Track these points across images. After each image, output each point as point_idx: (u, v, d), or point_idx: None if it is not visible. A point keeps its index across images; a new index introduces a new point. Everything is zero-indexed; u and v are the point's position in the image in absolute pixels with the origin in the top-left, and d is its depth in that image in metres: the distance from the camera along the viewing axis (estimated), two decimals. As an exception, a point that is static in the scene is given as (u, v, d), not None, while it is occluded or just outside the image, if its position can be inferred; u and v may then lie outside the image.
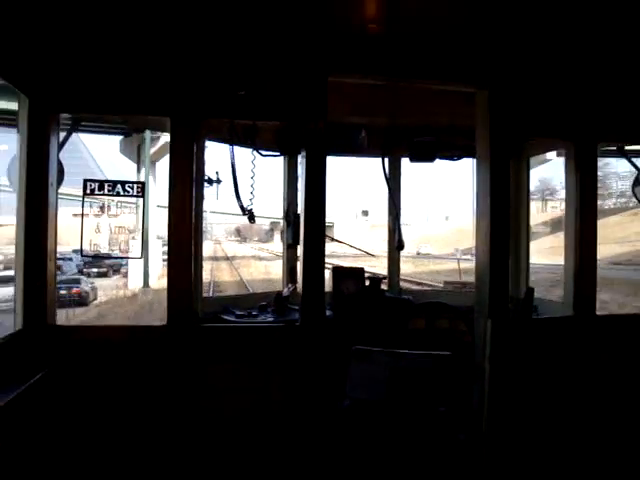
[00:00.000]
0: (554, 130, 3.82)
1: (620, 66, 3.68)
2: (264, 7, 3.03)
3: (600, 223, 3.94)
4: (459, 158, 5.30)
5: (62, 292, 21.89)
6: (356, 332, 4.29)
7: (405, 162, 5.35)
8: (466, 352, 3.89)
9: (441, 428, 3.60)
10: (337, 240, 5.12)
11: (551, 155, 5.59)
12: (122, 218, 3.70)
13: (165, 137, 25.58)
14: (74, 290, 23.91)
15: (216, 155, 5.49)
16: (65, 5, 2.88)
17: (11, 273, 3.51)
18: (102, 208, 3.62)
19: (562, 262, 3.90)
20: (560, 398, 3.63)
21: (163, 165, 29.15)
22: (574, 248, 3.78)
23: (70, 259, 28.59)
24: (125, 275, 29.13)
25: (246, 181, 4.48)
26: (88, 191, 3.42)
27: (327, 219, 3.52)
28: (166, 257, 3.45)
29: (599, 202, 3.94)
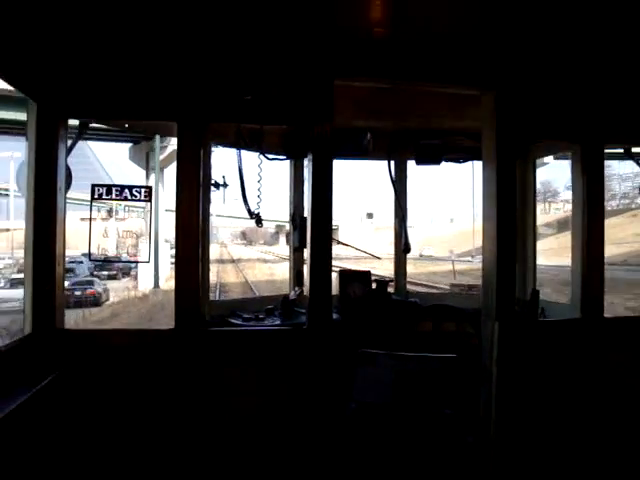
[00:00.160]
0: (560, 132, 3.81)
1: (627, 68, 3.67)
2: (270, 11, 3.04)
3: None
4: (465, 160, 5.30)
5: (77, 293, 24.20)
6: (363, 335, 4.29)
7: (410, 165, 5.37)
8: (473, 355, 3.88)
9: (447, 431, 3.60)
10: (343, 243, 5.13)
11: (548, 159, 5.59)
12: (130, 222, 3.73)
13: (173, 145, 27.62)
14: (89, 291, 25.54)
15: (222, 159, 5.52)
16: (72, 12, 2.90)
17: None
18: (109, 212, 3.65)
19: (561, 263, 3.89)
20: (568, 401, 3.62)
21: (170, 172, 30.33)
22: (581, 250, 3.77)
23: (81, 262, 29.26)
24: (134, 278, 30.36)
25: (253, 185, 4.50)
26: (96, 196, 3.45)
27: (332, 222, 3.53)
28: (173, 260, 3.46)
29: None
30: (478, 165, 3.98)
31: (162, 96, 3.39)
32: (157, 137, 28.28)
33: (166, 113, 3.44)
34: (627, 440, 3.69)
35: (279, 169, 5.40)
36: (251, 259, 55.84)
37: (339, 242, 4.73)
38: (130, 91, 3.36)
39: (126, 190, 3.47)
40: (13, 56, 2.89)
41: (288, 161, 5.13)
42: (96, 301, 25.39)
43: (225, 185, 4.32)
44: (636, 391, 3.73)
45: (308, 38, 3.35)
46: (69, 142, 3.50)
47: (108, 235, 3.66)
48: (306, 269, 4.67)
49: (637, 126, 3.87)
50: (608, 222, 4.26)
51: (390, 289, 5.12)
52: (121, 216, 3.67)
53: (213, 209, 4.02)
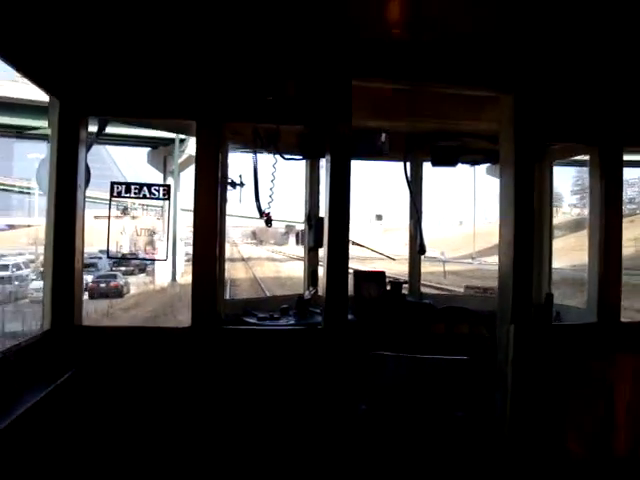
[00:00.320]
0: (578, 134, 3.79)
1: None
2: (288, 12, 3.05)
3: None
4: (481, 163, 5.28)
5: (102, 285, 27.51)
6: (377, 336, 4.29)
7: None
8: (486, 357, 3.87)
9: (459, 433, 3.59)
10: (357, 244, 5.12)
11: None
12: (147, 220, 3.76)
13: (189, 152, 29.95)
14: (112, 284, 28.24)
15: (236, 160, 5.55)
16: (94, 11, 2.93)
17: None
18: (125, 210, 3.68)
19: (563, 265, 3.86)
20: (582, 405, 3.59)
21: (186, 175, 32.27)
22: (598, 255, 3.74)
23: (100, 258, 30.60)
24: (149, 274, 32.49)
25: (266, 185, 4.53)
26: (115, 193, 3.47)
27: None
28: (187, 257, 3.48)
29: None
30: (480, 169, 3.97)
31: (181, 95, 3.41)
32: (177, 141, 30.47)
33: (185, 112, 3.46)
34: None
35: (291, 169, 5.41)
36: (260, 258, 56.90)
37: (354, 243, 4.71)
38: (150, 90, 3.39)
39: (145, 188, 3.49)
40: (37, 57, 2.93)
41: (303, 161, 5.14)
42: (119, 293, 27.84)
43: (242, 184, 4.34)
44: None
45: (326, 38, 3.35)
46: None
47: (125, 233, 3.69)
48: (321, 269, 4.68)
49: None
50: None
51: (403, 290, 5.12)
52: (138, 214, 3.70)
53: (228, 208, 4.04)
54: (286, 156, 4.62)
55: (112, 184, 3.47)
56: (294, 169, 5.32)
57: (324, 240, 3.48)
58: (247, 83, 3.44)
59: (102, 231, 3.74)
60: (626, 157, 3.93)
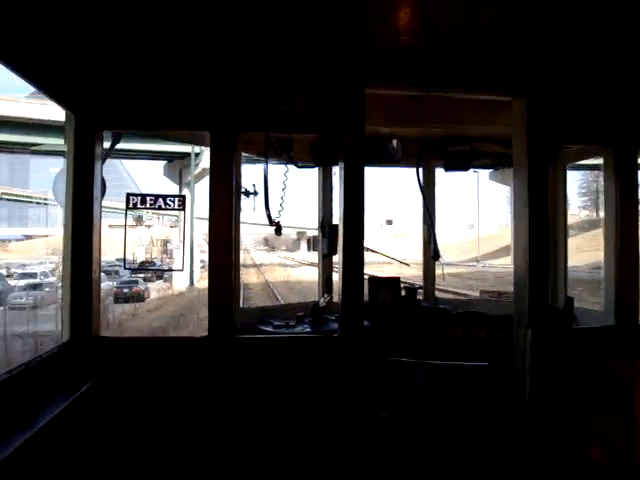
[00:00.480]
0: (593, 136, 3.76)
1: None
2: (301, 21, 3.07)
3: (597, 232, 3.87)
4: (494, 167, 5.27)
5: (125, 290, 30.03)
6: (393, 342, 4.28)
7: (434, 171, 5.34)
8: (503, 362, 3.84)
9: (479, 440, 3.56)
10: (371, 250, 5.13)
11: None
12: (161, 229, 3.79)
13: (203, 164, 32.62)
14: (134, 289, 30.85)
15: (247, 169, 5.59)
16: (108, 27, 2.97)
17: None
18: (139, 220, 3.72)
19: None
20: (604, 411, 3.55)
21: (200, 186, 34.35)
22: (615, 257, 3.70)
23: (120, 266, 32.23)
24: (166, 280, 35.07)
25: (277, 193, 4.56)
26: (131, 205, 3.51)
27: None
28: (202, 264, 3.51)
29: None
30: (483, 174, 3.97)
31: (195, 106, 3.44)
32: (192, 154, 32.82)
33: (199, 123, 3.49)
34: None
35: (302, 177, 5.45)
36: (272, 264, 58.22)
37: (367, 249, 4.72)
38: (164, 102, 3.43)
39: (160, 199, 3.53)
40: (54, 74, 2.99)
41: (315, 169, 5.16)
42: (140, 297, 30.27)
43: (255, 193, 4.37)
44: None
45: (339, 47, 3.36)
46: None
47: (142, 244, 3.72)
48: (336, 276, 4.68)
49: None
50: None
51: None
52: (153, 224, 3.74)
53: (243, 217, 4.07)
54: (299, 164, 4.65)
55: (128, 196, 3.51)
56: (305, 177, 5.35)
57: (338, 247, 3.49)
58: (260, 93, 3.46)
59: (116, 240, 3.79)
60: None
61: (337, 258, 4.08)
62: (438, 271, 5.48)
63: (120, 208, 3.57)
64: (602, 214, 4.01)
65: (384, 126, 4.53)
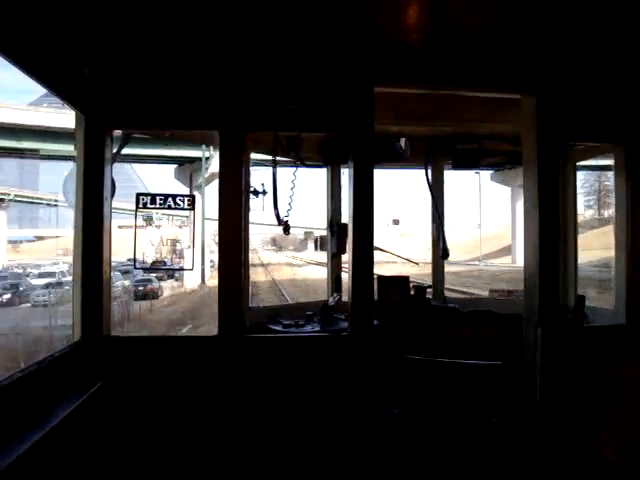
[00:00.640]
0: (604, 134, 3.74)
1: None
2: (310, 20, 3.07)
3: (599, 231, 3.85)
4: (503, 165, 5.24)
5: (140, 288, 31.05)
6: (403, 341, 4.27)
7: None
8: (513, 361, 3.82)
9: (493, 439, 3.54)
10: (380, 249, 5.11)
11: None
12: (171, 230, 3.81)
13: (212, 168, 34.26)
14: (149, 287, 32.12)
15: (257, 170, 5.60)
16: (117, 29, 2.99)
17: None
18: (149, 220, 3.73)
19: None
20: (617, 410, 3.53)
21: (210, 189, 36.36)
22: (625, 255, 3.68)
23: (131, 265, 33.40)
24: (178, 279, 36.85)
25: (285, 192, 4.56)
26: (140, 205, 3.52)
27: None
28: (212, 264, 3.52)
29: (610, 211, 3.82)
30: (485, 175, 3.95)
31: (204, 106, 3.46)
32: (203, 157, 35.06)
33: (208, 122, 3.50)
34: None
35: (310, 176, 5.45)
36: (280, 263, 59.23)
37: (376, 248, 4.70)
38: (173, 102, 3.44)
39: (170, 199, 3.54)
40: (64, 75, 3.01)
41: (323, 168, 5.16)
42: (154, 295, 31.67)
43: (264, 193, 4.38)
44: None
45: (347, 45, 3.36)
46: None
47: (152, 244, 3.74)
48: (345, 275, 4.68)
49: None
50: (609, 228, 4.18)
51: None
52: (163, 224, 3.76)
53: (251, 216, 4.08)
54: (308, 163, 4.65)
55: (138, 195, 3.52)
56: (313, 176, 5.35)
57: (348, 246, 3.48)
58: (269, 91, 3.47)
59: (126, 240, 3.80)
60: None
61: (346, 257, 4.08)
62: (454, 269, 5.46)
63: (129, 209, 3.58)
64: (604, 213, 3.99)
65: (393, 125, 4.52)
